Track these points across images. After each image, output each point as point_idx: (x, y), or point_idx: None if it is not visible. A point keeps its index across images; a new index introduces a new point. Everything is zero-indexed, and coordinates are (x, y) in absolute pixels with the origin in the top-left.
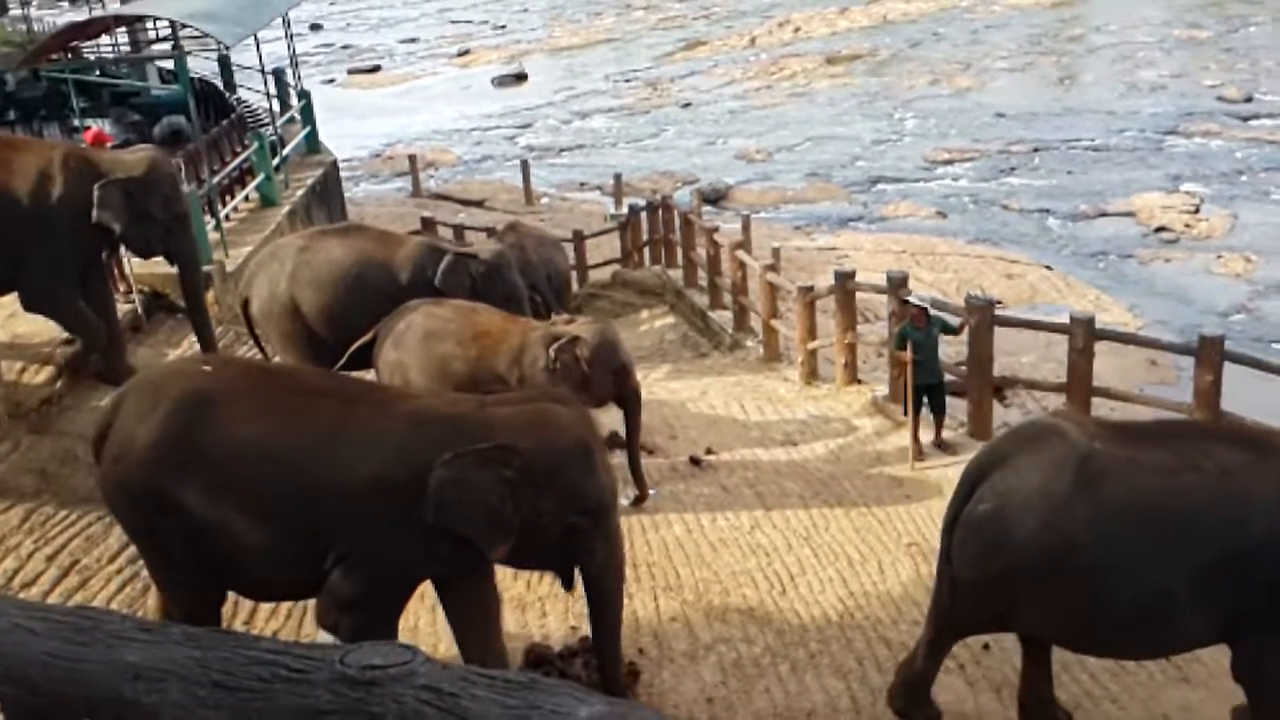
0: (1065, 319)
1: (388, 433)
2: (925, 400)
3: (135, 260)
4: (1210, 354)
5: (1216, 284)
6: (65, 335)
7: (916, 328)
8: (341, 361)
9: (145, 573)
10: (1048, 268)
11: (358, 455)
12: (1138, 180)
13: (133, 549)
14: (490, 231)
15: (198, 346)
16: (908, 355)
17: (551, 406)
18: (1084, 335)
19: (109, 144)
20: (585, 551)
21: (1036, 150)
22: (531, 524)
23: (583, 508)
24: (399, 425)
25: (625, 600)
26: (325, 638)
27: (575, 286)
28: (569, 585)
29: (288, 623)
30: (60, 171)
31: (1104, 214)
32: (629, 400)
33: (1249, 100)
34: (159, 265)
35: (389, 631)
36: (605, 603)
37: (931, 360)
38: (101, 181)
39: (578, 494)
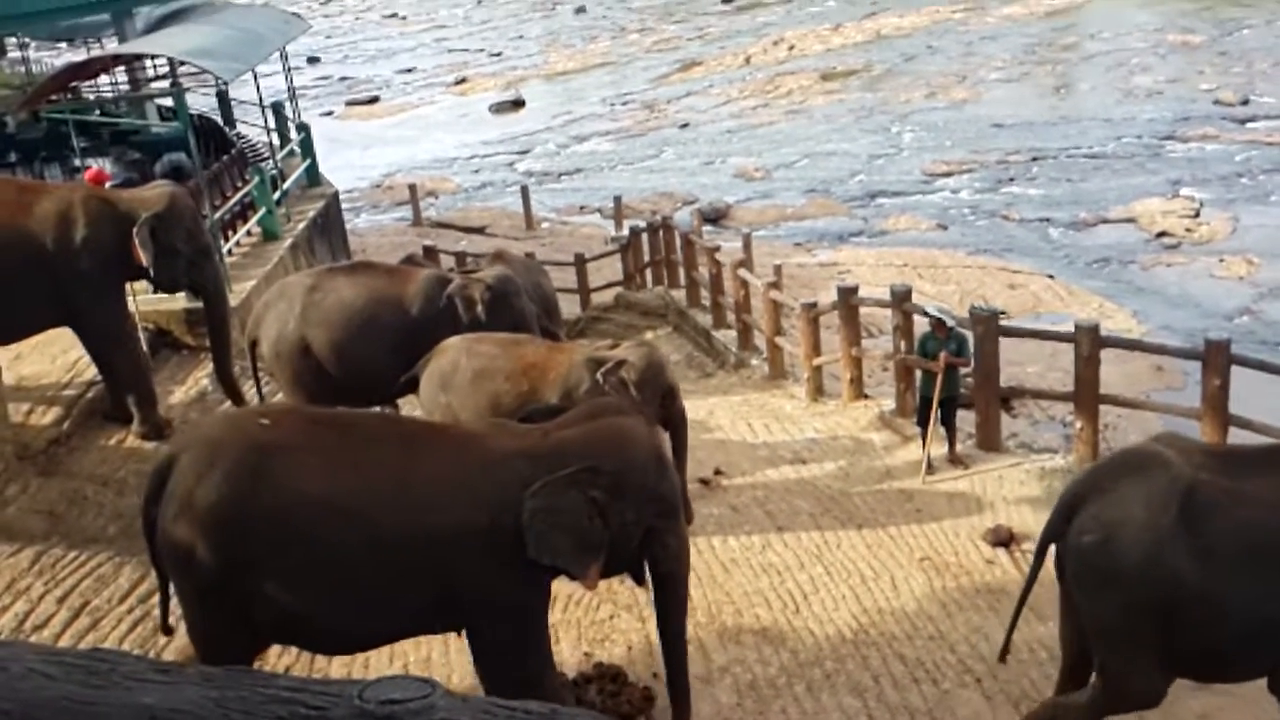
0: (1069, 328)
1: (465, 479)
2: (938, 414)
3: (141, 296)
4: (1217, 358)
5: (1220, 287)
6: (69, 377)
7: (937, 339)
8: (396, 392)
9: (156, 612)
10: (1050, 277)
11: (436, 504)
12: (1137, 186)
13: (143, 588)
14: (459, 258)
15: (204, 382)
16: (943, 361)
17: (617, 420)
18: (1089, 343)
19: (108, 182)
20: (660, 548)
21: (1035, 160)
22: (617, 536)
23: (661, 510)
24: (474, 470)
25: (639, 625)
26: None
27: (579, 310)
28: (640, 580)
29: (301, 658)
30: (82, 214)
31: (1104, 221)
32: (675, 423)
33: (1245, 103)
34: (164, 301)
35: (551, 672)
36: (676, 591)
37: (951, 372)
38: (139, 223)
39: (657, 499)
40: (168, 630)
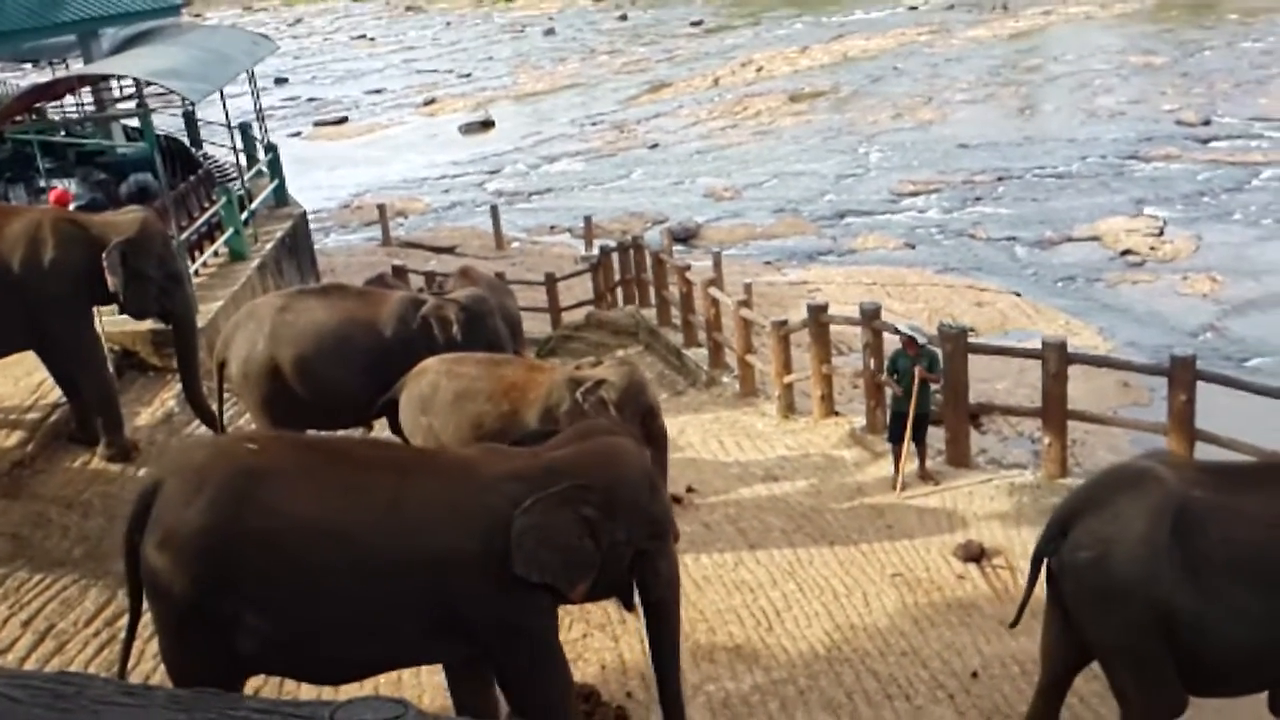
0: (1037, 345)
1: (457, 503)
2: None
3: (106, 318)
4: (1182, 374)
5: (1184, 304)
6: (33, 399)
7: (908, 356)
8: (370, 415)
9: (123, 635)
10: (1017, 294)
11: (428, 528)
12: (1101, 205)
13: (110, 611)
14: (429, 277)
15: (171, 404)
16: (917, 377)
17: (608, 440)
18: (1057, 360)
19: (73, 203)
20: (651, 573)
21: (1000, 179)
22: (608, 557)
23: (652, 532)
24: (466, 493)
25: (611, 644)
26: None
27: (550, 329)
28: (630, 606)
29: (269, 681)
30: (51, 236)
31: (1070, 239)
32: (656, 442)
33: (1207, 123)
34: (130, 323)
35: (570, 695)
36: (668, 620)
37: (923, 388)
38: (108, 248)
39: (648, 520)
40: (123, 677)
